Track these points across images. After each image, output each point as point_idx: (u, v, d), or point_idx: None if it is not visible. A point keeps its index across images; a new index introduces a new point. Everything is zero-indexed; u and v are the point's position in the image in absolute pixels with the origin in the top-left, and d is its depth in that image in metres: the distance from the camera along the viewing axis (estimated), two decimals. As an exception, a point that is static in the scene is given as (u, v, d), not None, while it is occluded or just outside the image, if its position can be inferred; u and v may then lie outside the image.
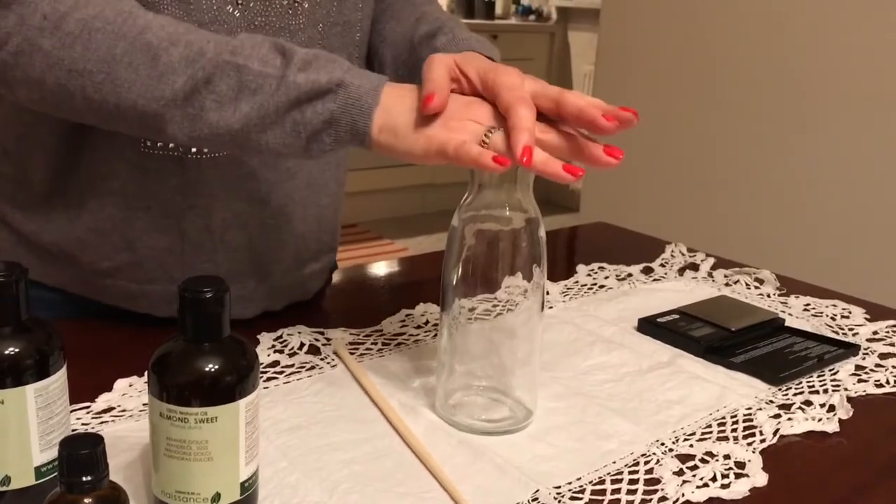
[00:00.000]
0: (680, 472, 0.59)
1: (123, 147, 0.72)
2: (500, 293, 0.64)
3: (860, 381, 0.75)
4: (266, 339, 0.77)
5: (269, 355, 0.74)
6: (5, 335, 0.49)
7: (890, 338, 0.85)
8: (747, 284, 0.99)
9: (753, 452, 0.62)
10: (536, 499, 0.56)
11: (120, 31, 0.61)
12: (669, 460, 0.61)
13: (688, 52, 2.02)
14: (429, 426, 0.64)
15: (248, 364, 0.49)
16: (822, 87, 1.75)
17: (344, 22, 0.79)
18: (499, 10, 4.34)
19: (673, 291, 0.96)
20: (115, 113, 0.63)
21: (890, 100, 1.65)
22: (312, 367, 0.73)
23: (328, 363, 0.73)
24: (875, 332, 0.86)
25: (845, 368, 0.77)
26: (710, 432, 0.65)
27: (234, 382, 0.48)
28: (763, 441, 0.64)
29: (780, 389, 0.73)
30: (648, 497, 0.57)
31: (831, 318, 0.90)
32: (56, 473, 0.50)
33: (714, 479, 0.59)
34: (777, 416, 0.68)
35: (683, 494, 0.57)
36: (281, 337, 0.77)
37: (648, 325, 0.83)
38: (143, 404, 0.65)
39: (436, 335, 0.80)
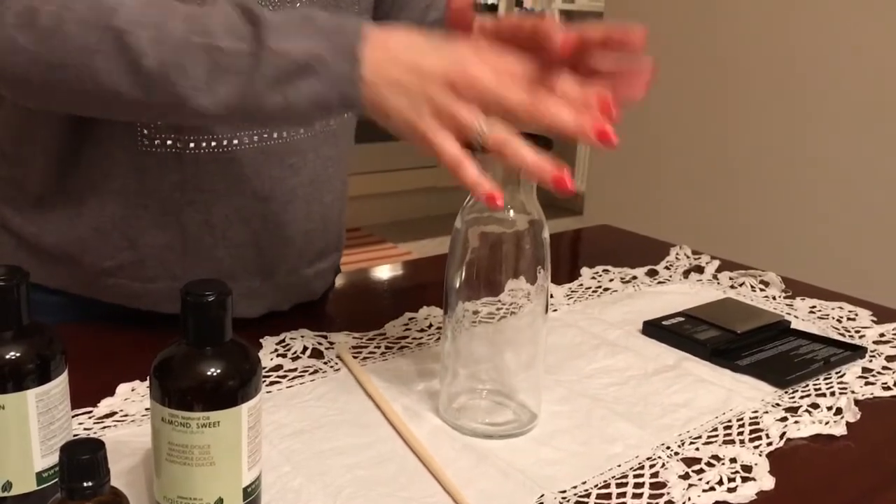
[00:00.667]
0: (686, 476, 0.59)
1: (121, 145, 0.71)
2: (504, 296, 0.64)
3: (867, 383, 0.75)
4: (269, 342, 0.76)
5: (271, 359, 0.73)
6: (6, 340, 0.49)
7: (897, 340, 0.84)
8: (752, 287, 0.98)
9: (760, 456, 0.62)
10: (541, 502, 0.55)
11: (90, 20, 0.59)
12: (675, 464, 0.60)
13: (690, 55, 2.01)
14: (432, 430, 0.64)
15: (251, 368, 0.49)
16: (828, 89, 1.75)
17: (344, 8, 0.78)
18: (501, 12, 4.34)
19: (678, 294, 0.95)
20: (104, 103, 0.62)
21: None
22: (316, 371, 0.72)
23: (331, 367, 0.73)
24: (882, 335, 0.85)
25: (852, 371, 0.77)
26: (716, 436, 0.65)
27: (237, 387, 0.48)
28: (770, 444, 0.64)
29: (786, 392, 0.72)
30: (654, 501, 0.56)
31: (837, 320, 0.89)
32: (57, 479, 0.50)
33: (720, 482, 0.58)
34: (784, 419, 0.67)
35: (689, 498, 0.56)
36: (284, 341, 0.77)
37: (654, 328, 0.83)
38: (146, 409, 0.64)
39: (439, 339, 0.80)
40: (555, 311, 0.88)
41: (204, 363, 0.48)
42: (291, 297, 0.84)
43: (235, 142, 0.74)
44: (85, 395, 0.63)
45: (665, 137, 2.10)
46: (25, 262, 0.75)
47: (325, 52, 0.57)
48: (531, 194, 0.63)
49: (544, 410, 0.66)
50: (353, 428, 0.63)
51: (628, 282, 0.99)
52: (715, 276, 1.01)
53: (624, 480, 0.58)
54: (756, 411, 0.69)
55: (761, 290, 0.98)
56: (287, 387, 0.69)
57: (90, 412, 0.64)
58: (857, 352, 0.79)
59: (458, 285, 0.64)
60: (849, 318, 0.90)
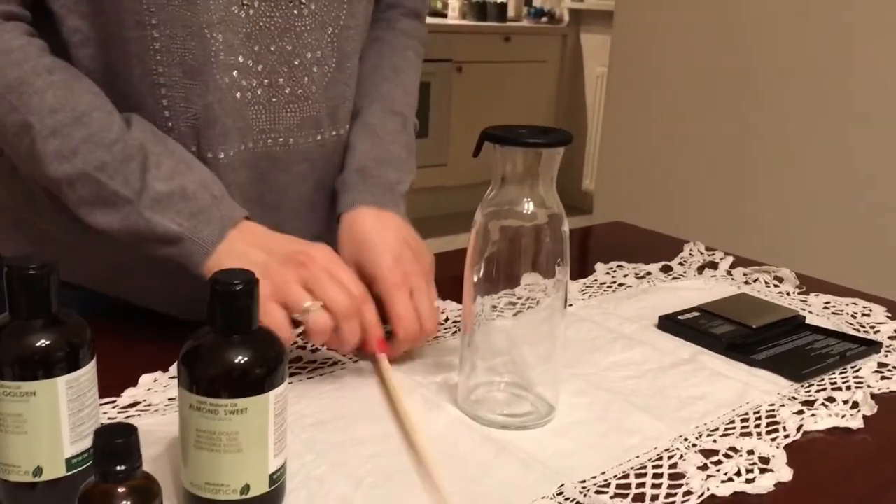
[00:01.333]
0: (704, 467, 0.59)
1: None
2: (523, 290, 0.64)
3: (883, 378, 0.75)
4: (272, 330, 0.77)
5: (291, 351, 0.74)
6: (37, 328, 0.49)
7: (912, 335, 0.84)
8: (766, 283, 0.99)
9: (777, 448, 0.62)
10: (561, 493, 0.56)
11: (14, 104, 0.66)
12: (693, 455, 0.61)
13: (701, 53, 2.01)
14: (451, 421, 0.64)
15: (277, 356, 0.49)
16: (839, 84, 1.75)
17: (356, 25, 0.80)
18: (511, 12, 4.34)
19: (692, 290, 0.95)
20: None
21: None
22: (335, 363, 0.73)
23: (350, 359, 0.74)
24: (897, 330, 0.86)
25: (868, 366, 0.77)
26: (734, 428, 0.65)
27: (264, 374, 0.48)
28: (787, 437, 0.64)
29: (802, 386, 0.73)
30: (673, 491, 0.57)
31: (852, 315, 0.90)
32: (87, 465, 0.51)
33: (738, 473, 0.59)
34: (800, 412, 0.68)
35: (708, 489, 0.57)
36: (302, 333, 0.78)
37: (669, 323, 0.83)
38: (169, 399, 0.65)
39: (455, 332, 0.81)
40: (570, 306, 0.88)
41: (232, 351, 0.48)
42: None
43: (242, 148, 0.75)
44: (108, 386, 0.64)
45: (674, 137, 2.10)
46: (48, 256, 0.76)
47: (185, 234, 0.67)
48: (551, 188, 0.64)
49: (562, 403, 0.67)
50: (372, 419, 0.64)
51: (643, 277, 0.99)
52: (729, 272, 1.02)
53: (643, 471, 0.59)
54: (772, 404, 0.69)
55: (775, 286, 0.98)
56: (308, 377, 0.70)
57: (114, 402, 0.64)
58: (873, 347, 0.80)
59: (477, 278, 0.65)
60: (863, 314, 0.90)
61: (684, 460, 0.60)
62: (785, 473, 0.59)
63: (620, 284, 0.96)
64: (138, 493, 0.42)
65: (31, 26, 0.70)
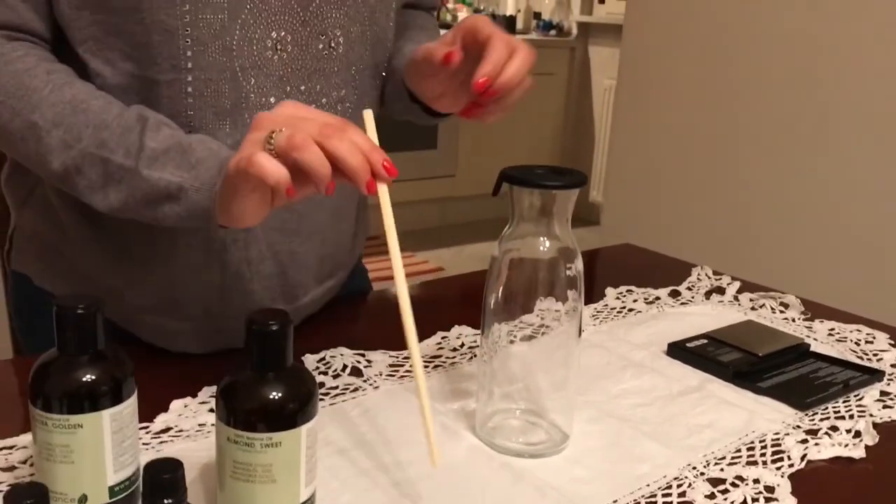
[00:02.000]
0: (711, 496, 0.62)
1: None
2: (538, 319, 0.67)
3: (885, 406, 0.78)
4: (310, 360, 0.80)
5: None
6: (83, 363, 0.52)
7: (914, 363, 0.87)
8: (773, 308, 1.01)
9: (782, 477, 0.65)
10: (576, 520, 0.58)
11: (16, 108, 0.68)
12: (701, 484, 0.64)
13: (710, 68, 2.04)
14: (470, 448, 0.67)
15: (309, 392, 0.52)
16: (851, 114, 1.77)
17: (374, 64, 0.83)
18: (520, 24, 4.38)
19: (700, 315, 0.98)
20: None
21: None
22: (356, 389, 0.76)
23: (371, 385, 0.77)
24: (899, 358, 0.88)
25: (870, 394, 0.80)
26: (740, 457, 0.68)
27: (297, 409, 0.51)
28: (791, 466, 0.67)
29: (806, 415, 0.75)
30: (682, 520, 0.59)
31: (856, 342, 0.92)
32: (128, 492, 0.54)
33: (745, 502, 0.61)
34: (804, 441, 0.71)
35: (716, 517, 0.59)
36: (324, 359, 0.81)
37: (678, 350, 0.86)
38: (199, 424, 0.68)
39: (471, 358, 0.84)
40: (582, 331, 0.91)
41: (267, 387, 0.51)
42: (304, 313, 0.88)
43: None
44: (139, 411, 0.67)
45: (683, 152, 2.13)
46: (73, 288, 0.79)
47: (185, 184, 0.66)
48: (566, 226, 0.67)
49: (576, 430, 0.70)
50: (395, 446, 0.67)
51: (652, 302, 1.02)
52: (736, 298, 1.04)
53: (653, 499, 0.62)
54: (777, 433, 0.72)
55: (781, 311, 1.01)
56: (330, 404, 0.73)
57: (146, 427, 0.67)
58: (875, 375, 0.82)
59: (493, 308, 0.68)
60: (867, 342, 0.93)
61: (692, 488, 0.63)
62: (789, 502, 0.62)
63: (630, 309, 0.99)
64: (183, 524, 0.45)
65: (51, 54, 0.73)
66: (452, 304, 1.02)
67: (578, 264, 0.67)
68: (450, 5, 4.36)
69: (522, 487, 0.62)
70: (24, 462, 0.61)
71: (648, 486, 0.63)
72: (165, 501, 0.44)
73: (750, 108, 1.95)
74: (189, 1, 0.69)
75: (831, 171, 1.80)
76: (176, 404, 0.71)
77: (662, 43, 2.17)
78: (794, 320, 0.98)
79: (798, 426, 0.73)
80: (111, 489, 0.53)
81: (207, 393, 0.73)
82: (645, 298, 1.03)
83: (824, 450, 0.69)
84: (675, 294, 1.05)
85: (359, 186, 0.60)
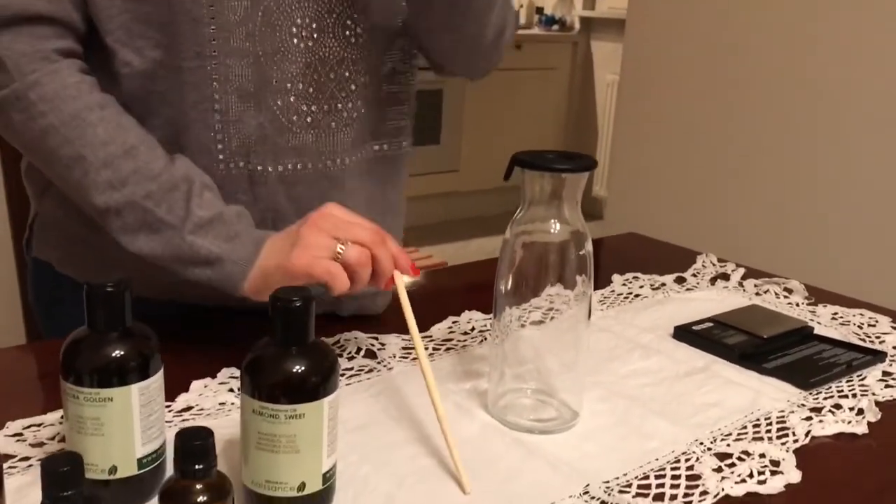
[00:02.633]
0: (719, 469, 0.64)
1: (199, 163, 0.77)
2: (549, 303, 0.69)
3: (887, 386, 0.79)
4: (326, 342, 0.82)
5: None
6: (112, 339, 0.54)
7: (915, 345, 0.88)
8: (777, 294, 1.03)
9: (787, 452, 0.67)
10: (587, 492, 0.60)
11: (68, 137, 0.71)
12: (708, 458, 0.65)
13: (713, 62, 2.05)
14: (483, 426, 0.69)
15: (331, 366, 0.54)
16: (853, 100, 1.78)
17: (400, 49, 0.84)
18: (522, 19, 4.39)
19: (705, 300, 1.00)
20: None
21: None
22: (371, 371, 0.78)
23: (385, 366, 0.79)
24: (901, 340, 0.90)
25: (873, 374, 0.81)
26: (746, 433, 0.70)
27: (319, 382, 0.53)
28: (796, 441, 0.69)
29: (810, 394, 0.77)
30: (690, 491, 0.61)
31: (858, 326, 0.94)
32: (156, 464, 0.56)
33: (751, 475, 0.63)
34: (808, 418, 0.72)
35: (723, 489, 0.61)
36: (339, 342, 0.83)
37: (684, 333, 0.88)
38: (220, 403, 0.70)
39: (481, 341, 0.85)
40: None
41: (291, 361, 0.53)
42: (351, 307, 0.88)
43: (300, 167, 0.80)
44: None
45: (686, 145, 2.14)
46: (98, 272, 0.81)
47: (224, 255, 0.72)
48: (575, 209, 0.69)
49: (585, 409, 0.71)
50: (411, 422, 0.69)
51: (657, 288, 1.03)
52: (740, 284, 1.06)
53: (662, 472, 0.63)
54: (782, 411, 0.74)
55: (785, 297, 1.02)
56: (346, 384, 0.75)
57: (169, 406, 0.69)
58: (878, 356, 0.84)
59: (505, 291, 0.70)
60: (869, 325, 0.94)
61: (700, 463, 0.65)
62: (794, 475, 0.64)
63: (637, 295, 1.01)
64: (214, 489, 0.47)
65: (84, 60, 0.75)
66: (461, 292, 1.04)
67: (588, 247, 0.69)
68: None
69: (534, 462, 0.64)
70: (52, 438, 0.63)
71: (657, 460, 0.65)
72: (197, 466, 0.46)
73: (751, 100, 1.97)
74: None
75: (833, 162, 1.82)
76: (196, 384, 0.73)
77: (665, 37, 2.19)
78: (798, 305, 1.00)
79: (802, 404, 0.75)
80: (139, 461, 0.55)
81: (227, 374, 0.75)
82: (651, 285, 1.04)
83: (828, 426, 0.71)
84: (680, 280, 1.07)
85: (379, 285, 0.71)
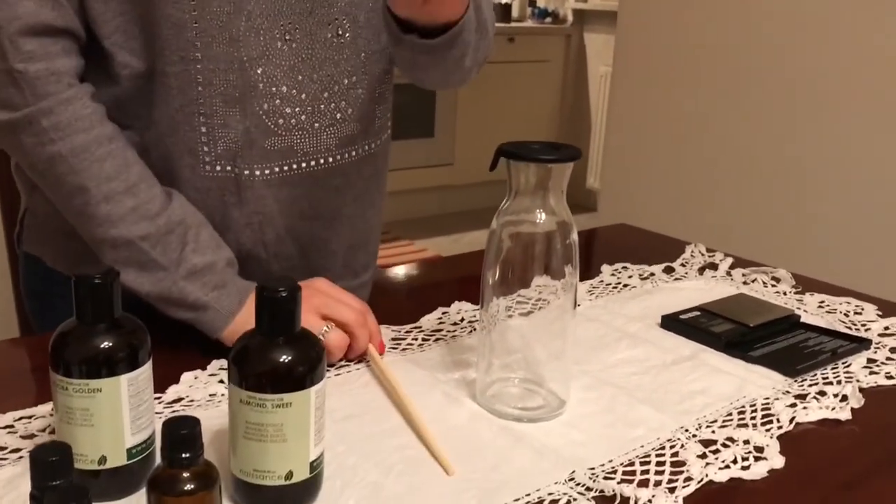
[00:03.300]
0: (703, 456, 0.65)
1: (187, 165, 0.78)
2: (535, 293, 0.70)
3: (871, 373, 0.80)
4: (312, 332, 0.82)
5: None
6: (101, 331, 0.55)
7: (900, 333, 0.89)
8: (764, 283, 1.04)
9: (771, 438, 0.67)
10: (573, 478, 0.61)
11: (74, 167, 0.73)
12: (693, 445, 0.66)
13: (705, 53, 2.06)
14: (471, 414, 0.70)
15: (318, 356, 0.55)
16: (839, 88, 1.79)
17: (382, 49, 0.85)
18: (515, 12, 4.39)
19: (693, 290, 1.01)
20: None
21: (903, 102, 1.69)
22: (360, 361, 0.78)
23: (365, 362, 0.79)
24: (886, 328, 0.91)
25: (858, 361, 0.82)
26: (731, 420, 0.71)
27: (306, 372, 0.54)
28: (780, 428, 0.69)
29: (795, 381, 0.78)
30: (675, 477, 0.62)
31: (844, 314, 0.95)
32: (145, 454, 0.56)
33: (735, 461, 0.64)
34: (793, 405, 0.73)
35: (707, 475, 0.62)
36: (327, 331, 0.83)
37: (671, 322, 0.88)
38: (210, 395, 0.71)
39: (471, 332, 0.86)
40: (578, 306, 0.94)
41: (277, 351, 0.54)
42: None
43: (286, 168, 0.81)
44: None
45: (677, 137, 2.15)
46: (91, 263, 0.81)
47: (211, 303, 0.75)
48: (561, 199, 0.69)
49: (572, 397, 0.72)
50: (398, 412, 0.69)
51: (646, 278, 1.04)
52: (728, 273, 1.07)
53: (647, 459, 0.64)
54: (767, 398, 0.74)
55: (773, 285, 1.03)
56: (336, 374, 0.76)
57: (159, 397, 0.70)
58: (863, 344, 0.85)
59: (492, 282, 0.70)
60: (855, 313, 0.95)
61: (685, 449, 0.65)
62: (778, 461, 0.65)
63: (625, 285, 1.02)
64: (201, 477, 0.47)
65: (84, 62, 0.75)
66: (453, 284, 1.05)
67: (574, 237, 0.70)
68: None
69: (522, 449, 0.65)
70: (43, 430, 0.64)
71: (643, 447, 0.66)
72: (184, 455, 0.46)
73: (742, 92, 1.98)
74: None
75: (821, 154, 1.83)
76: (187, 376, 0.73)
77: (657, 29, 2.19)
78: (785, 294, 1.01)
79: (787, 391, 0.76)
80: (129, 451, 0.56)
81: (217, 366, 0.75)
82: (640, 274, 1.05)
83: (812, 412, 0.72)
84: (669, 270, 1.07)
85: (351, 357, 0.77)
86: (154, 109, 0.76)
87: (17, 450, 0.61)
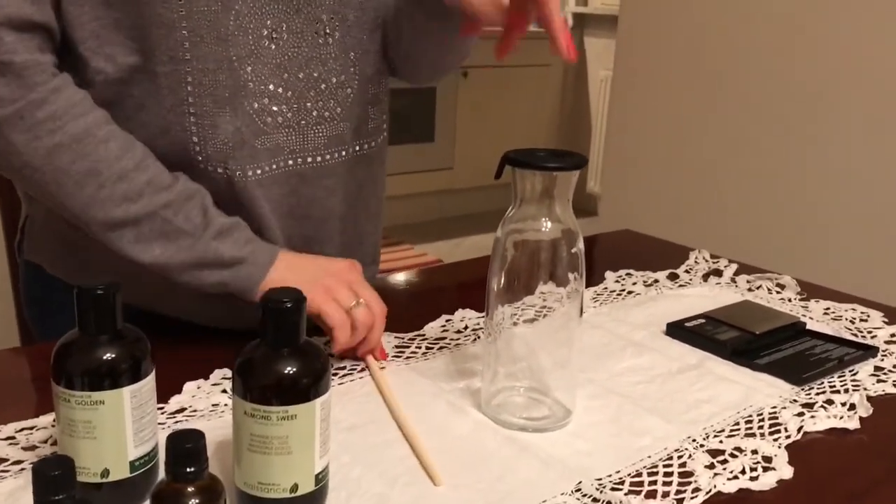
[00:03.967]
0: (711, 466, 0.64)
1: (179, 166, 0.77)
2: (541, 301, 0.69)
3: (879, 381, 0.80)
4: (317, 342, 0.82)
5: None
6: (103, 342, 0.54)
7: (907, 340, 0.89)
8: (769, 289, 1.03)
9: (779, 448, 0.67)
10: (579, 489, 0.60)
11: (79, 153, 0.71)
12: (701, 455, 0.66)
13: (705, 57, 2.06)
14: (476, 424, 0.69)
15: (322, 367, 0.54)
16: (842, 93, 1.79)
17: (375, 50, 0.85)
18: (515, 16, 4.38)
19: (698, 297, 1.00)
20: (52, 203, 0.74)
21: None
22: (363, 369, 0.78)
23: (378, 366, 0.78)
24: (893, 335, 0.90)
25: (865, 369, 0.82)
26: (738, 429, 0.70)
27: (311, 383, 0.53)
28: (788, 437, 0.69)
29: (802, 389, 0.77)
30: (683, 488, 0.61)
31: (850, 321, 0.94)
32: (148, 466, 0.56)
33: (743, 471, 0.64)
34: (801, 414, 0.73)
35: (715, 486, 0.61)
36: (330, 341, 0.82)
37: (677, 330, 0.88)
38: (213, 405, 0.70)
39: (475, 340, 0.86)
40: (583, 313, 0.93)
41: (282, 362, 0.53)
42: None
43: (275, 167, 0.80)
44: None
45: (679, 141, 2.15)
46: (88, 275, 0.81)
47: (247, 256, 0.76)
48: (567, 207, 0.69)
49: (578, 406, 0.71)
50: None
51: (650, 285, 1.04)
52: (733, 280, 1.06)
53: (654, 470, 0.64)
54: (775, 407, 0.74)
55: (777, 292, 1.03)
56: (339, 384, 0.75)
57: (162, 408, 0.69)
58: (870, 351, 0.84)
59: (497, 290, 0.70)
60: (861, 319, 0.95)
61: (692, 459, 0.65)
62: (786, 471, 0.64)
63: (629, 292, 1.01)
64: (205, 492, 0.47)
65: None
66: (455, 290, 1.04)
67: (580, 245, 0.69)
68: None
69: (527, 459, 0.64)
70: (45, 441, 0.63)
71: (650, 457, 0.65)
72: (188, 469, 0.46)
73: (744, 96, 1.97)
74: None
75: (825, 158, 1.82)
76: (189, 386, 0.73)
77: (658, 33, 2.19)
78: (790, 300, 1.00)
79: (795, 400, 0.75)
80: (132, 464, 0.55)
81: (219, 375, 0.75)
82: (644, 281, 1.05)
83: (820, 422, 0.71)
84: (673, 277, 1.07)
85: (360, 351, 0.78)
86: (143, 113, 0.76)
87: (19, 462, 0.61)
